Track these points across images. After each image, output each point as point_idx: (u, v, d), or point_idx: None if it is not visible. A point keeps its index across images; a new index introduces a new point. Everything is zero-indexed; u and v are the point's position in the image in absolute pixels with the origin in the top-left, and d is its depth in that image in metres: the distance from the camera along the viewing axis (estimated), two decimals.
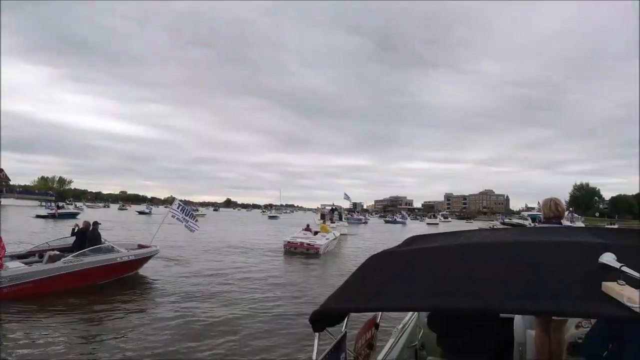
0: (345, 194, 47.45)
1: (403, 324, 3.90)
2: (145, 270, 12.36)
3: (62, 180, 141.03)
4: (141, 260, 11.65)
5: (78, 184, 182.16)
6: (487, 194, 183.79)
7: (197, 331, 7.39)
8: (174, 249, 18.08)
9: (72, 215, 45.87)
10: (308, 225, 24.99)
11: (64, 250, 10.43)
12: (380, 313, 3.38)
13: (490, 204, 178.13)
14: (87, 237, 10.84)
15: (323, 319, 2.11)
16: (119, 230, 29.66)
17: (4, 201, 70.10)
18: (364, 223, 66.95)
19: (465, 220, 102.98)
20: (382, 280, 1.99)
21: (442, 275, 1.92)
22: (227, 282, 11.83)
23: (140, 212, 65.65)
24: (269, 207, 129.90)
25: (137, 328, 7.44)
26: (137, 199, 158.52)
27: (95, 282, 10.07)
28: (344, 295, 2.12)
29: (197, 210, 78.20)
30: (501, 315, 3.09)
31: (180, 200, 14.19)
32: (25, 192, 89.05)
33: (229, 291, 10.70)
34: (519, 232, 2.92)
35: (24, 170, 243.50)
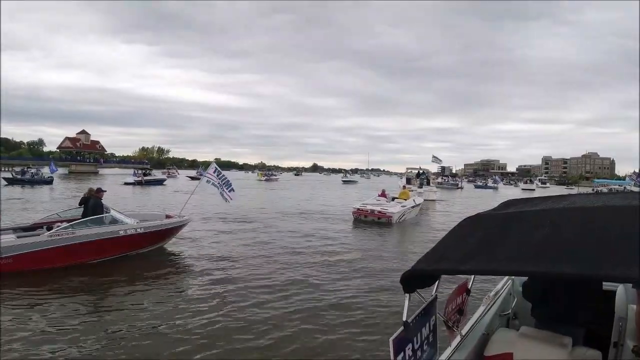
0: (434, 157, 42.05)
1: (495, 292, 3.60)
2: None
3: (160, 150, 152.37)
4: (160, 233, 9.58)
5: (175, 153, 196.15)
6: (590, 157, 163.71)
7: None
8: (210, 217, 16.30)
9: (159, 182, 47.55)
10: (383, 191, 22.21)
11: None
12: (472, 278, 3.10)
13: (594, 168, 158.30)
14: (88, 206, 8.94)
15: (414, 280, 2.08)
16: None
17: (102, 170, 76.14)
18: (459, 188, 61.08)
19: (565, 186, 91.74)
20: (478, 243, 1.94)
21: (544, 239, 1.79)
22: (273, 254, 10.15)
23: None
24: (351, 171, 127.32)
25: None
26: (228, 165, 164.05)
27: (92, 259, 8.30)
28: (436, 257, 2.05)
29: (275, 175, 78.47)
30: (604, 288, 2.94)
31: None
32: (122, 161, 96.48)
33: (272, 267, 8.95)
34: (632, 196, 2.37)
35: (126, 142, 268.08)
